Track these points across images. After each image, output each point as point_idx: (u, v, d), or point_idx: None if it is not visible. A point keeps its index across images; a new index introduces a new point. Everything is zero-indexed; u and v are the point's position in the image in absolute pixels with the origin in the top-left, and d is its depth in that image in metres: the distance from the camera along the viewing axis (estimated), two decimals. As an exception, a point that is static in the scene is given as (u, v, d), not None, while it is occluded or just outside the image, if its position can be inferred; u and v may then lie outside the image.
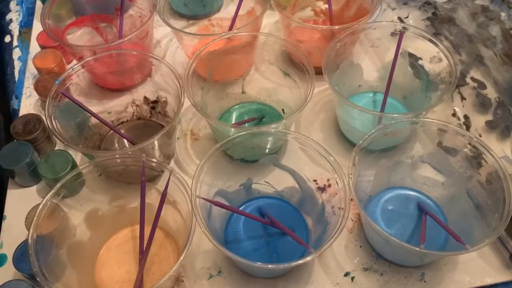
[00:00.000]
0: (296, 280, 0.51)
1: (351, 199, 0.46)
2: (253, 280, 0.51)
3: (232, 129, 0.55)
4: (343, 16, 0.70)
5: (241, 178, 0.54)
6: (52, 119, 0.52)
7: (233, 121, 0.63)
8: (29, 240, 0.43)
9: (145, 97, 0.62)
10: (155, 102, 0.62)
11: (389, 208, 0.55)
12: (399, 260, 0.51)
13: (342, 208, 0.46)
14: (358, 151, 0.49)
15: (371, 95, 0.65)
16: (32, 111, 0.64)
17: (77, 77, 0.58)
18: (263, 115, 0.63)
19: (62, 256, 0.48)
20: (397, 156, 0.57)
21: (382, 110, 0.60)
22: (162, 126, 0.62)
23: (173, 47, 0.73)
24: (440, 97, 0.56)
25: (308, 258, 0.43)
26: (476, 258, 0.52)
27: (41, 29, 0.63)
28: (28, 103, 0.67)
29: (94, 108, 0.58)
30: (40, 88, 0.62)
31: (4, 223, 0.55)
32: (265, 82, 0.64)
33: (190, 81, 0.55)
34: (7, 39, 0.77)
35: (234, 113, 0.64)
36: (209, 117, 0.54)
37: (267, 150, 0.56)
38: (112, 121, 0.62)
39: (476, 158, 0.51)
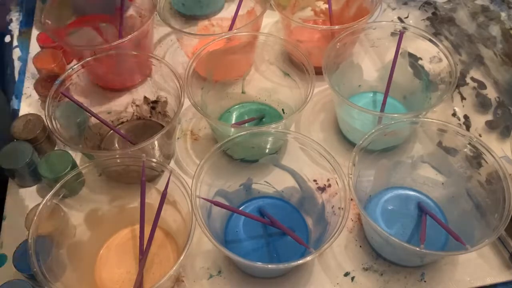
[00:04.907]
0: (296, 280, 0.51)
1: (351, 199, 0.46)
2: (253, 280, 0.51)
3: (232, 129, 0.55)
4: (343, 16, 0.70)
5: (241, 178, 0.54)
6: (52, 119, 0.52)
7: (233, 121, 0.63)
8: (29, 240, 0.43)
9: (145, 97, 0.62)
10: (155, 102, 0.62)
11: (389, 208, 0.55)
12: (399, 260, 0.51)
13: (342, 208, 0.46)
14: (358, 151, 0.49)
15: (371, 95, 0.65)
16: (32, 111, 0.64)
17: (77, 77, 0.57)
18: (263, 115, 0.63)
19: (62, 256, 0.48)
20: (397, 156, 0.57)
21: (382, 110, 0.60)
22: (162, 126, 0.61)
23: (173, 47, 0.73)
24: (440, 97, 0.56)
25: (308, 258, 0.43)
26: (476, 258, 0.52)
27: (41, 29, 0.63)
28: (28, 103, 0.67)
29: (94, 108, 0.58)
30: (40, 88, 0.62)
31: (4, 223, 0.55)
32: (265, 82, 0.64)
33: (190, 81, 0.55)
34: (7, 39, 0.77)
35: (234, 113, 0.64)
36: (209, 117, 0.54)
37: (267, 150, 0.56)
38: (112, 121, 0.62)
39: (476, 158, 0.51)
